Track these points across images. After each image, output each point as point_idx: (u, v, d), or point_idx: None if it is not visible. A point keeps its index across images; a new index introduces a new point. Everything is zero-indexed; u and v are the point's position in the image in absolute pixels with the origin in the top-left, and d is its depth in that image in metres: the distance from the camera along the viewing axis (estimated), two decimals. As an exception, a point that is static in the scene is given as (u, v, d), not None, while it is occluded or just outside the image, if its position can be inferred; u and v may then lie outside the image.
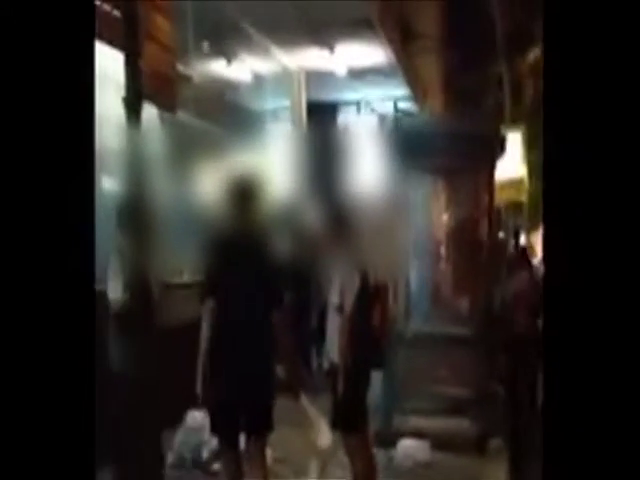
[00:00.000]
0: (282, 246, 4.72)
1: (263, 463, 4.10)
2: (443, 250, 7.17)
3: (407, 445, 5.75)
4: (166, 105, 5.59)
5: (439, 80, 13.83)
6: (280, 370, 4.03)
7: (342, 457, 4.63)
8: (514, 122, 13.16)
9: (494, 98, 15.43)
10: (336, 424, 4.34)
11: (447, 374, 6.11)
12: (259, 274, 3.93)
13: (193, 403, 5.13)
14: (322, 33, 9.84)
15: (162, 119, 6.69)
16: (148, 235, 4.06)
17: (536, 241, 11.67)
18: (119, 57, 4.28)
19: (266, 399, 3.97)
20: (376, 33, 9.94)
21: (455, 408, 6.09)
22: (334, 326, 4.23)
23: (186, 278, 6.78)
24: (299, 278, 6.50)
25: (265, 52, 10.28)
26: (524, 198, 12.63)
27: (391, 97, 12.98)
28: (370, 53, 10.64)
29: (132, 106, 4.21)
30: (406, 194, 6.54)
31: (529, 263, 7.51)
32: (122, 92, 4.28)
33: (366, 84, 12.10)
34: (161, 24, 6.20)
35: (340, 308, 4.17)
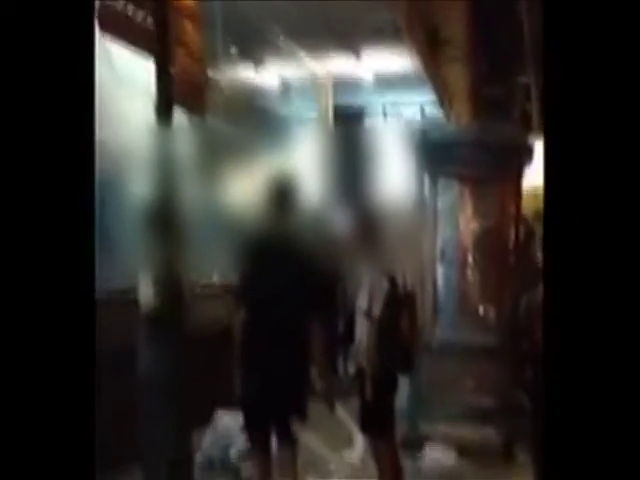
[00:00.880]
0: (311, 251, 4.73)
1: (294, 468, 4.12)
2: (470, 258, 7.13)
3: (433, 451, 5.75)
4: (196, 110, 5.64)
5: (466, 88, 13.79)
6: (315, 378, 4.05)
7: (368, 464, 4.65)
8: (542, 132, 13.06)
9: (522, 107, 15.35)
10: (365, 428, 4.39)
11: (473, 383, 6.09)
12: (291, 278, 3.95)
13: (222, 404, 5.18)
14: (349, 39, 9.88)
15: (192, 124, 6.74)
16: (179, 239, 4.09)
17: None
18: (150, 64, 4.34)
19: (299, 403, 3.99)
20: (403, 40, 9.96)
21: (481, 416, 6.07)
22: (362, 331, 4.24)
23: (217, 281, 6.82)
24: (327, 283, 6.51)
25: (293, 58, 10.32)
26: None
27: (417, 103, 12.97)
28: (397, 60, 10.64)
29: (163, 111, 4.27)
30: (434, 201, 6.53)
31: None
32: (153, 98, 4.33)
33: (393, 90, 12.10)
34: (190, 30, 6.26)
35: (368, 313, 4.18)
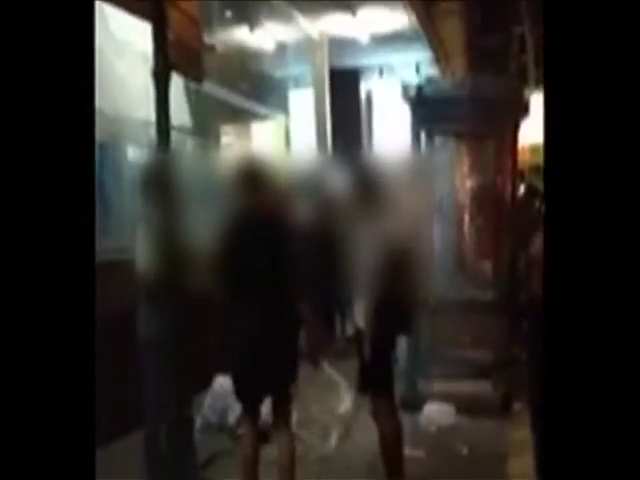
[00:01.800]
0: (306, 213, 4.76)
1: (289, 428, 4.18)
2: (467, 215, 7.15)
3: (432, 409, 5.84)
4: (193, 75, 5.61)
5: (462, 42, 13.64)
6: (302, 337, 4.10)
7: (362, 421, 4.70)
8: (538, 85, 12.97)
9: (518, 58, 15.21)
10: (363, 388, 4.39)
11: (471, 338, 6.15)
12: (284, 240, 3.98)
13: (220, 369, 5.26)
14: (343, -2, 9.76)
15: (188, 89, 6.71)
16: (175, 204, 4.12)
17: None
18: (147, 28, 4.32)
19: (290, 364, 4.04)
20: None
21: (478, 372, 6.14)
22: (360, 292, 4.26)
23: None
24: (324, 245, 6.53)
25: (287, 19, 10.23)
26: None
27: (414, 62, 12.87)
28: (392, 17, 10.53)
29: (160, 76, 4.28)
30: (430, 158, 6.54)
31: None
32: (150, 63, 4.33)
33: (389, 49, 11.99)
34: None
35: (365, 273, 4.18)
